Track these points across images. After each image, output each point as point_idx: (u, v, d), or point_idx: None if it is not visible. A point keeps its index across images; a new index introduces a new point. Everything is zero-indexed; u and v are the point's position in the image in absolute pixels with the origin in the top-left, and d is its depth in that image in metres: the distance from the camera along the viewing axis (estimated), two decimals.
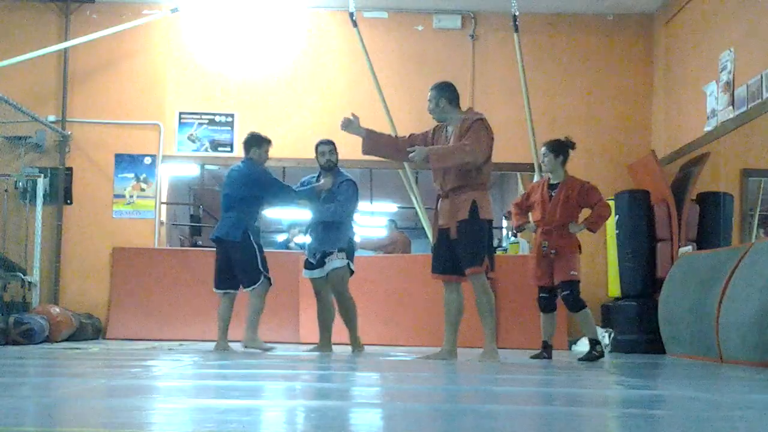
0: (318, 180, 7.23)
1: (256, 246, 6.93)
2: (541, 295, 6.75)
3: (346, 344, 7.32)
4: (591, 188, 6.68)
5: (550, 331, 6.77)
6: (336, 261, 7.06)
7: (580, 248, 6.68)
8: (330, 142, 7.25)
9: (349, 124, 6.45)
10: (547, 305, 6.74)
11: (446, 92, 6.25)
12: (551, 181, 6.80)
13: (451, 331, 6.23)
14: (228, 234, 6.96)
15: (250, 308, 6.93)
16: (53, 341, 8.15)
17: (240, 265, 6.95)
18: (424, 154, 6.04)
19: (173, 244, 13.51)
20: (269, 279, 6.99)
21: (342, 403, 3.28)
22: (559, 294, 6.62)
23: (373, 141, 6.51)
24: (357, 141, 6.63)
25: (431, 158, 6.03)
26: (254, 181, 6.96)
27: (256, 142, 7.11)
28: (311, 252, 7.20)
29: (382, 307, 9.39)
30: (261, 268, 6.93)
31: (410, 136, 6.51)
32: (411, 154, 6.12)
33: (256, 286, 6.90)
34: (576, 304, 6.58)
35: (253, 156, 7.08)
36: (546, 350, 6.73)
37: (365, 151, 6.59)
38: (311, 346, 7.43)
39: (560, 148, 6.75)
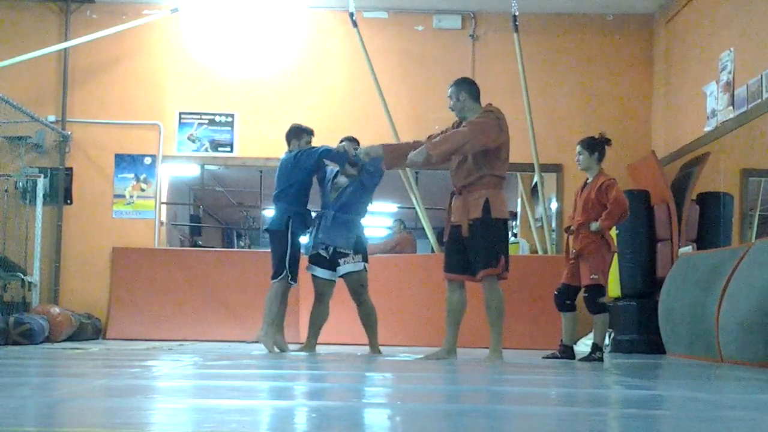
0: (336, 177, 7.05)
1: (290, 240, 6.82)
2: (555, 292, 6.73)
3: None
4: (609, 185, 6.49)
5: (568, 333, 6.68)
6: (349, 265, 6.86)
7: (610, 247, 6.51)
8: (354, 140, 7.04)
9: (367, 152, 6.34)
10: (560, 304, 6.66)
11: (466, 87, 6.20)
12: (587, 180, 6.71)
13: (452, 331, 6.18)
14: (272, 224, 6.95)
15: (267, 301, 6.85)
16: (53, 341, 8.14)
17: (273, 254, 6.94)
18: (424, 153, 5.87)
19: (173, 244, 13.53)
20: (289, 277, 6.83)
21: (343, 403, 3.28)
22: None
23: (392, 153, 6.31)
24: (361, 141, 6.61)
25: (429, 149, 5.85)
26: (294, 163, 6.89)
27: (295, 134, 7.08)
28: (320, 244, 6.94)
29: (385, 307, 9.35)
30: (286, 264, 6.81)
31: (429, 137, 6.26)
32: (410, 156, 5.95)
33: (277, 279, 6.87)
34: (593, 307, 6.48)
35: (293, 148, 7.07)
36: (563, 351, 6.65)
37: (388, 165, 6.40)
38: (298, 346, 7.39)
39: (594, 145, 6.66)
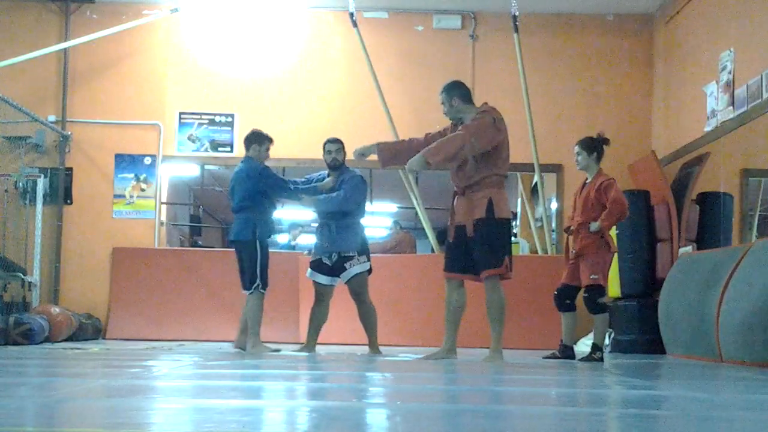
0: (323, 180, 7.15)
1: (260, 249, 6.85)
2: (555, 292, 6.72)
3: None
4: (608, 185, 6.48)
5: (568, 333, 6.67)
6: (356, 267, 6.90)
7: (610, 247, 6.50)
8: (337, 141, 7.14)
9: (362, 153, 6.39)
10: (560, 304, 6.66)
11: (457, 91, 6.20)
12: (587, 180, 6.70)
13: (451, 330, 6.18)
14: (238, 234, 6.93)
15: (249, 314, 6.90)
16: (53, 341, 8.14)
17: (242, 265, 6.93)
18: (421, 160, 5.84)
19: (173, 244, 13.53)
20: (260, 286, 6.84)
21: (343, 403, 3.28)
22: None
23: (387, 152, 6.38)
24: (357, 142, 6.61)
25: (427, 156, 5.84)
26: (253, 177, 6.93)
27: (256, 139, 7.09)
28: (325, 253, 6.99)
29: (385, 307, 9.35)
30: (257, 273, 6.84)
31: (426, 135, 6.32)
32: (409, 163, 5.93)
33: (251, 290, 6.87)
34: (593, 307, 6.47)
35: (252, 154, 7.06)
36: (563, 351, 6.64)
37: (384, 164, 6.47)
38: (298, 346, 7.40)
39: (593, 145, 6.65)
